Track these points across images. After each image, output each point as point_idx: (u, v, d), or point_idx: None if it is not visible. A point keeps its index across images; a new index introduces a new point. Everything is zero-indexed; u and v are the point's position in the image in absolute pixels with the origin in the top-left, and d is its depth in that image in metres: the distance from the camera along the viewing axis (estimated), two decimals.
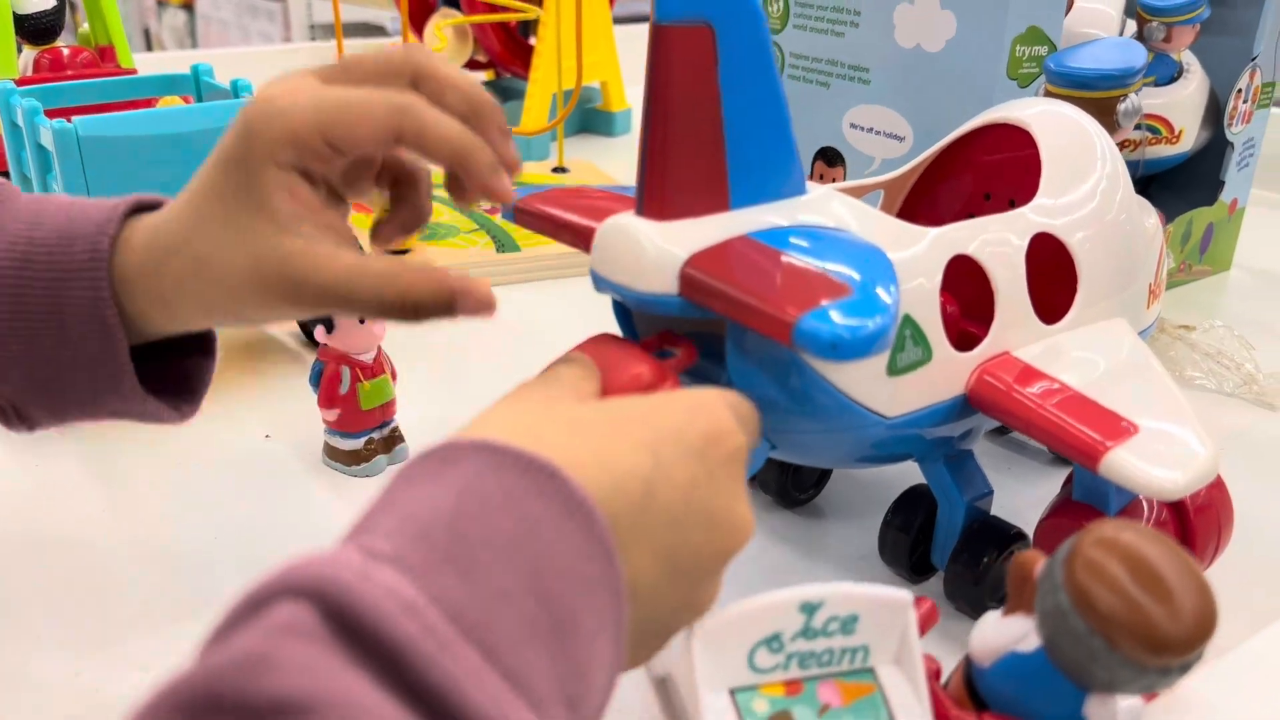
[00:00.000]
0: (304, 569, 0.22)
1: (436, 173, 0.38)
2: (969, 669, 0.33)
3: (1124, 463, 0.35)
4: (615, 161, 1.05)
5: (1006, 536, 0.43)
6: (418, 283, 0.34)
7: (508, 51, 1.11)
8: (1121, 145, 0.81)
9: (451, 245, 0.82)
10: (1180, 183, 0.84)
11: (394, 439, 0.58)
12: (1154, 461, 0.35)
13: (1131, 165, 0.82)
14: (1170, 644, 0.28)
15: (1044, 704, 0.31)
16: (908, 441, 0.41)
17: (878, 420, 0.38)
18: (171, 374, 0.41)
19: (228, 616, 0.22)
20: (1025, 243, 0.43)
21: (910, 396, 0.39)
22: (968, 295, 0.43)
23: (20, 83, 0.67)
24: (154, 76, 0.70)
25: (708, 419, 0.30)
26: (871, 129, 0.73)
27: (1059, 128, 0.47)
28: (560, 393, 0.32)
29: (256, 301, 0.36)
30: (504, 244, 0.82)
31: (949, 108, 0.68)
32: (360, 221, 0.85)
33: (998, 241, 0.42)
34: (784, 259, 0.34)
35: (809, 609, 0.30)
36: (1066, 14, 0.79)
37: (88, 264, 0.36)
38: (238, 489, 0.55)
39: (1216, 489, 0.41)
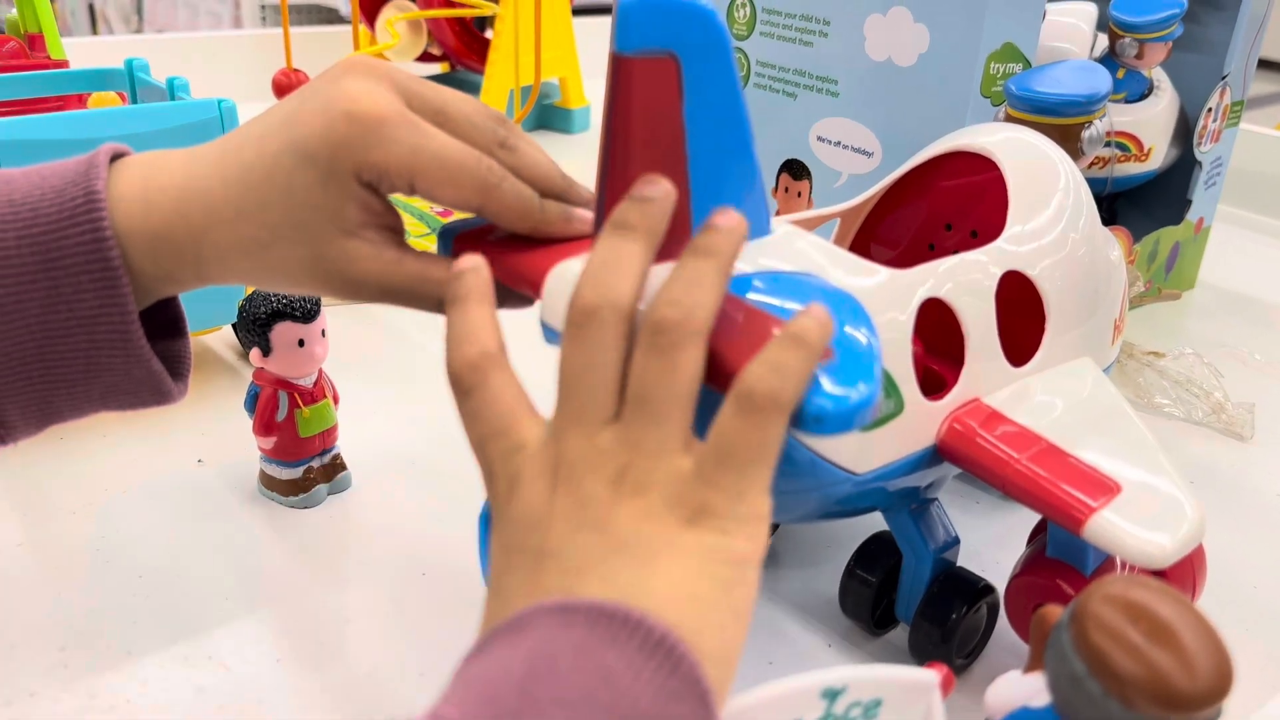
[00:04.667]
0: None
1: None
2: None
3: (1110, 528, 0.33)
4: (573, 160, 1.01)
5: (974, 590, 0.41)
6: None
7: (463, 45, 1.07)
8: (1091, 162, 0.79)
9: None
10: (1148, 201, 0.83)
11: (335, 466, 0.55)
12: (1141, 525, 0.33)
13: (1099, 182, 0.81)
14: (1188, 701, 0.27)
15: None
16: (874, 495, 0.39)
17: (846, 477, 0.36)
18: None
19: None
20: (995, 282, 0.41)
21: (881, 451, 0.37)
22: (930, 331, 0.41)
23: None
24: (85, 71, 0.66)
25: None
26: (839, 143, 0.71)
27: (1024, 158, 0.45)
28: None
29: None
30: None
31: (919, 124, 0.66)
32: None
33: (970, 283, 0.40)
34: (752, 311, 0.31)
35: (831, 695, 0.28)
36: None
37: (83, 208, 0.33)
38: (164, 521, 0.52)
39: None
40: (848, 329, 0.31)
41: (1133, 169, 0.80)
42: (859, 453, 0.36)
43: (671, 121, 0.32)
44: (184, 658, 0.43)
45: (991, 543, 0.51)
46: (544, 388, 0.31)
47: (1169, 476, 0.36)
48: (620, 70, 0.31)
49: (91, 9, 2.48)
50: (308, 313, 0.51)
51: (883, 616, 0.44)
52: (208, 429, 0.59)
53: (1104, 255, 0.46)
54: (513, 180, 0.35)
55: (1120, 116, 0.78)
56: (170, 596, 0.47)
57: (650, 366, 0.29)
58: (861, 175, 0.70)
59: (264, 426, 0.52)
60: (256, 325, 0.51)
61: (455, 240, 0.38)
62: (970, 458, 0.37)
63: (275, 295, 0.51)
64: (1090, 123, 0.48)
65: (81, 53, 0.87)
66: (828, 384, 0.28)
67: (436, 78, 1.17)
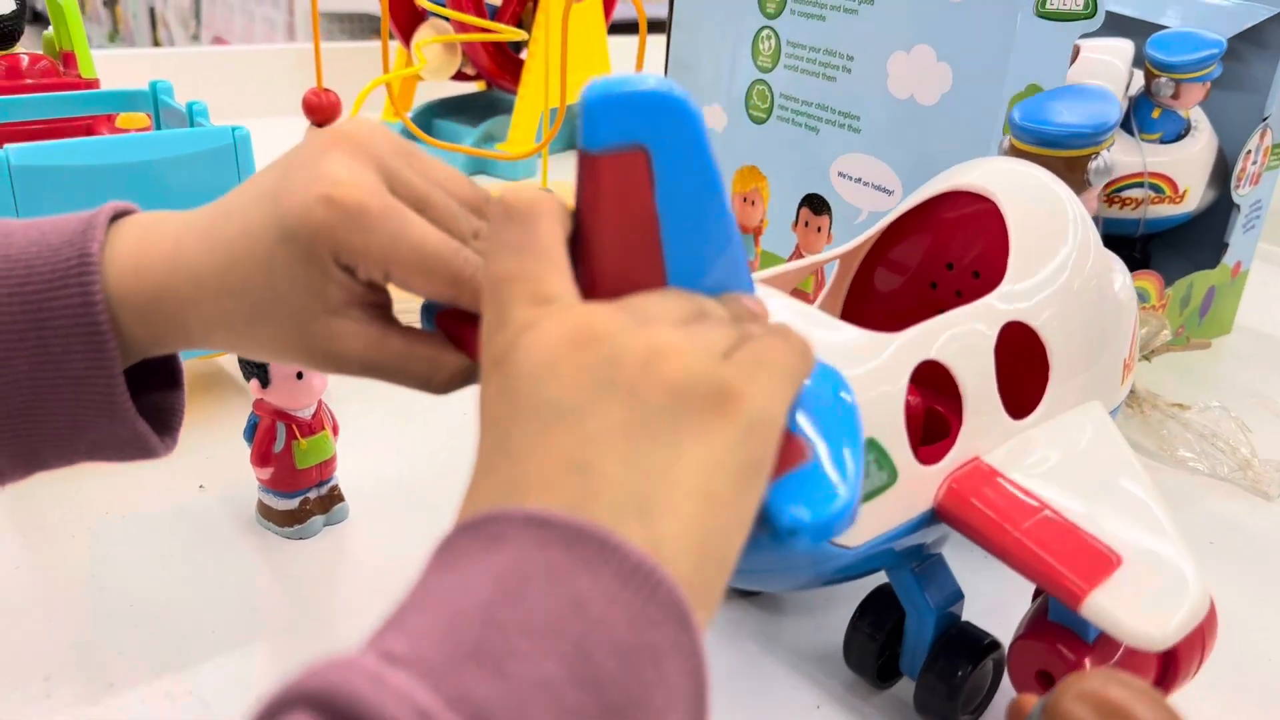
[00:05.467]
0: (317, 676, 0.21)
1: None
2: None
3: (1107, 610, 0.33)
4: None
5: (980, 647, 0.40)
6: (463, 368, 0.35)
7: (497, 65, 1.08)
8: (1122, 203, 0.77)
9: None
10: (1182, 243, 0.81)
11: (333, 498, 0.55)
12: (1139, 605, 0.33)
13: (1132, 224, 0.79)
14: None
15: None
16: (873, 561, 0.38)
17: (840, 553, 0.35)
18: (142, 407, 0.37)
19: None
20: (995, 334, 0.39)
21: (876, 522, 0.36)
22: (931, 369, 0.40)
23: None
24: (112, 92, 0.66)
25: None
26: (860, 179, 0.70)
27: (1027, 196, 0.44)
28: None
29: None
30: None
31: (941, 164, 0.65)
32: None
33: (966, 339, 0.39)
34: None
35: None
36: (1070, 64, 0.76)
37: (76, 270, 0.34)
38: (162, 548, 0.52)
39: None
40: (829, 423, 0.30)
41: (1167, 211, 0.78)
42: (854, 528, 0.35)
43: (644, 211, 0.31)
44: (166, 693, 0.43)
45: (1003, 587, 0.49)
46: None
47: (1173, 543, 0.35)
48: (587, 168, 0.30)
49: (152, 13, 2.53)
50: None
51: (887, 667, 0.43)
52: (214, 454, 0.59)
53: (1110, 294, 0.44)
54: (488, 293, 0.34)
55: (1155, 157, 0.76)
56: (159, 628, 0.47)
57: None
58: (881, 213, 0.68)
59: (261, 457, 0.53)
60: None
61: (438, 316, 0.38)
62: (968, 524, 0.36)
63: None
64: (1097, 154, 0.47)
65: (119, 67, 0.89)
66: (805, 491, 0.27)
67: (471, 96, 1.18)
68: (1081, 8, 0.61)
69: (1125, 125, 0.78)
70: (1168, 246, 0.82)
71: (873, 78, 0.67)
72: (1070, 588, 0.33)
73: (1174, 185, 0.76)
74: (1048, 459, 0.39)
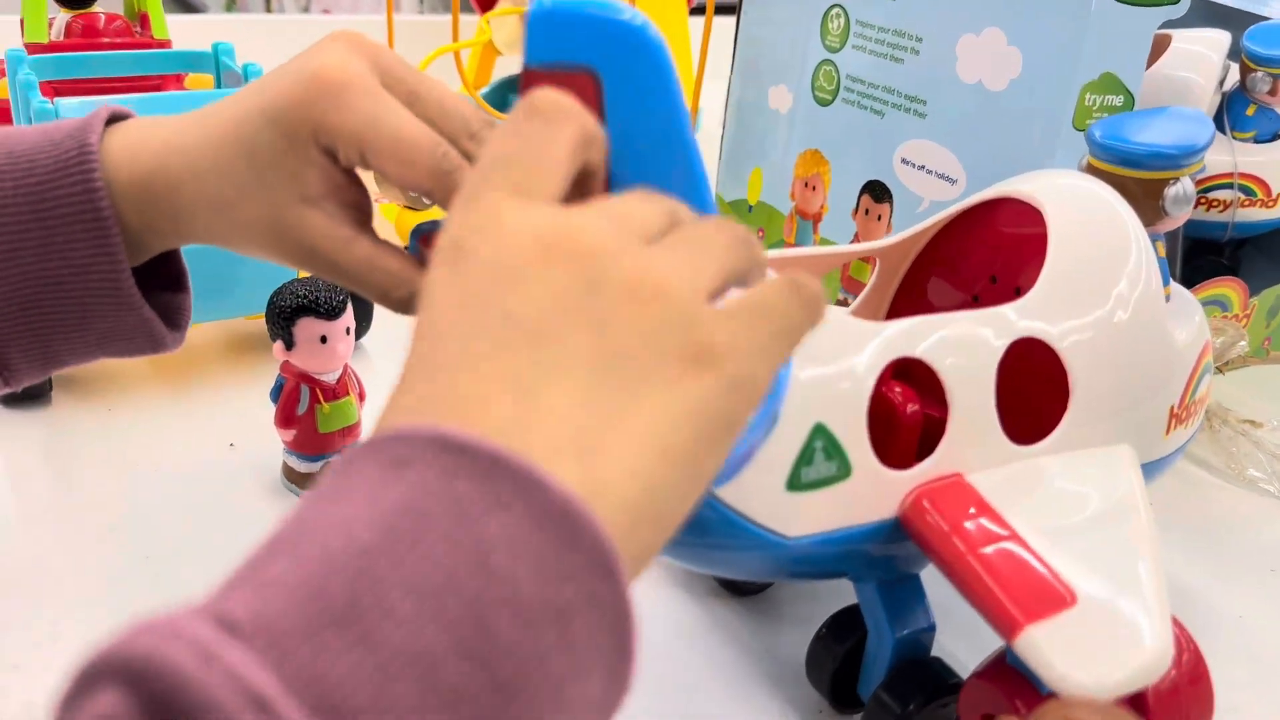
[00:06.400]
0: (133, 644, 0.18)
1: None
2: None
3: (1039, 646, 0.30)
4: None
5: (940, 684, 0.38)
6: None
7: None
8: (1210, 205, 0.73)
9: None
10: (1274, 249, 0.76)
11: None
12: (1079, 650, 0.30)
13: (1219, 227, 0.74)
14: None
15: None
16: (826, 561, 0.36)
17: (775, 540, 0.33)
18: (150, 305, 0.38)
19: (60, 699, 0.19)
20: (1001, 346, 0.37)
21: (817, 516, 0.34)
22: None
23: (45, 49, 0.66)
24: (177, 53, 0.68)
25: None
26: (923, 167, 0.67)
27: (1079, 214, 0.41)
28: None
29: (268, 251, 0.36)
30: None
31: (1007, 153, 0.62)
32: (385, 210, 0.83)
33: (962, 344, 0.36)
34: None
35: None
36: (1161, 55, 0.71)
37: (76, 159, 0.35)
38: (185, 503, 0.53)
39: (1188, 666, 0.35)
40: None
41: (1258, 215, 0.73)
42: (790, 516, 0.33)
43: None
44: None
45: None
46: None
47: (1144, 599, 0.31)
48: (527, 86, 0.29)
49: None
50: (332, 310, 0.51)
51: (850, 691, 0.41)
52: (246, 413, 0.60)
53: (1164, 338, 0.41)
54: (466, 171, 0.34)
55: (1247, 157, 0.71)
56: (172, 582, 0.48)
57: None
58: (943, 202, 0.65)
59: (285, 418, 0.53)
60: (280, 318, 0.51)
61: (421, 239, 0.37)
62: (923, 539, 0.34)
63: (301, 289, 0.51)
64: (1177, 179, 0.43)
65: (198, 31, 0.91)
66: None
67: None
68: None
69: (1217, 122, 0.73)
70: (1259, 253, 0.76)
71: (941, 60, 0.64)
72: (1007, 617, 0.31)
73: (1266, 188, 0.71)
74: (1041, 491, 0.36)
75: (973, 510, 0.35)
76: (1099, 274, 0.40)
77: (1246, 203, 0.72)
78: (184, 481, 0.55)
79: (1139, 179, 0.43)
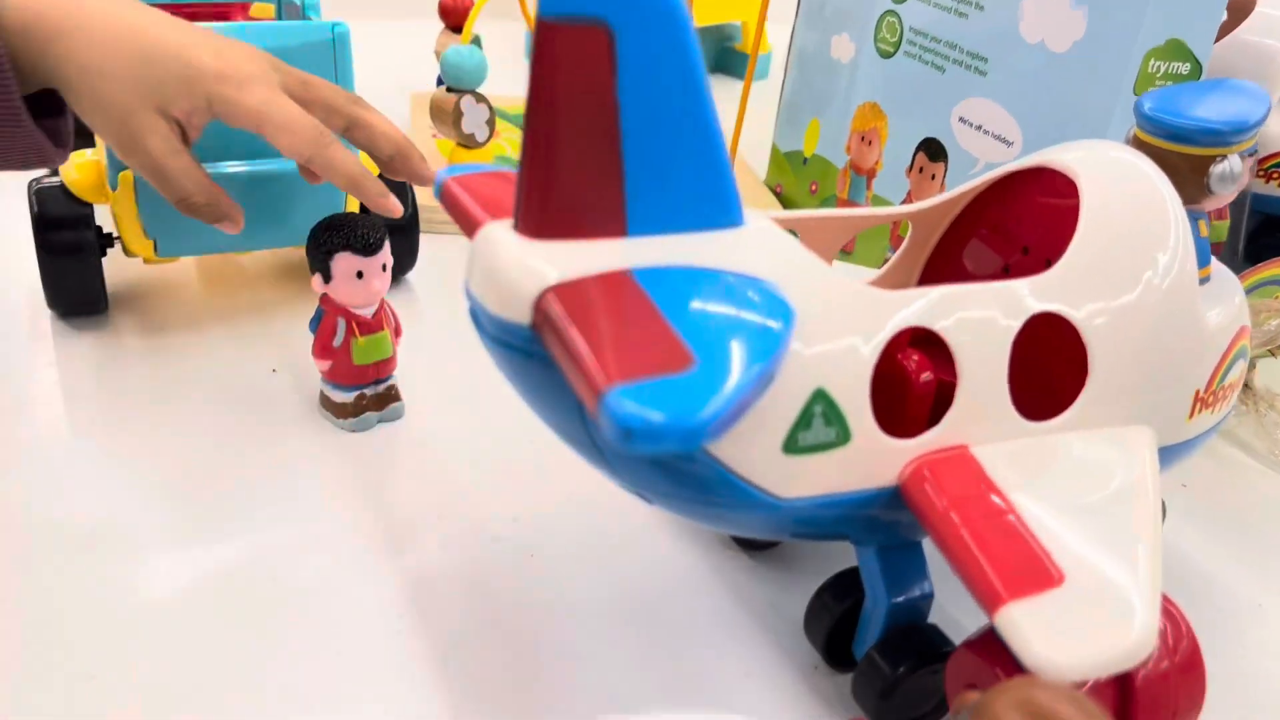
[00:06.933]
0: None
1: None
2: None
3: (1019, 624, 0.29)
4: (751, 107, 0.97)
5: (933, 650, 0.38)
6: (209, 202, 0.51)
7: None
8: (1264, 176, 0.70)
9: None
10: None
11: (389, 397, 0.56)
12: (1058, 628, 0.29)
13: (1275, 201, 0.71)
14: None
15: None
16: (822, 524, 0.36)
17: (769, 501, 0.34)
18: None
19: None
20: (1018, 324, 0.36)
21: (813, 480, 0.34)
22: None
23: None
24: None
25: None
26: (980, 127, 0.65)
27: (1116, 186, 0.40)
28: None
29: (107, 133, 0.48)
30: None
31: (1066, 117, 0.60)
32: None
33: (974, 318, 0.36)
34: (647, 308, 0.29)
35: None
36: (1242, 20, 0.68)
37: None
38: (226, 424, 0.55)
39: (1183, 654, 0.34)
40: (730, 347, 0.28)
41: None
42: (784, 478, 0.33)
43: (601, 98, 0.29)
44: (192, 563, 0.46)
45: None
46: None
47: (1136, 585, 0.31)
48: (542, 36, 0.29)
49: None
50: (369, 246, 0.52)
51: (846, 653, 0.41)
52: (290, 338, 0.61)
53: (1193, 320, 0.40)
54: (343, 148, 0.50)
55: None
56: (202, 501, 0.49)
57: None
58: (998, 164, 0.64)
59: (322, 349, 0.54)
60: (319, 252, 0.52)
61: (447, 177, 0.38)
62: (918, 509, 0.34)
63: (341, 225, 0.52)
64: (1225, 157, 0.41)
65: None
66: (661, 397, 0.25)
67: None
68: None
69: None
70: None
71: (1005, 18, 0.62)
72: (991, 592, 0.31)
73: None
74: (1047, 468, 0.35)
75: (972, 483, 0.35)
76: (1130, 251, 0.38)
77: None
78: (225, 405, 0.56)
79: (1184, 154, 0.41)
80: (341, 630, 0.43)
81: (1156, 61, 0.56)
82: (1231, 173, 0.41)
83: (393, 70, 0.95)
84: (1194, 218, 0.42)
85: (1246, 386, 0.62)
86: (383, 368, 0.56)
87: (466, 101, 0.75)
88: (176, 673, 0.40)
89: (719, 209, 0.33)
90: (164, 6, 0.68)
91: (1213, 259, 0.45)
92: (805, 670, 0.42)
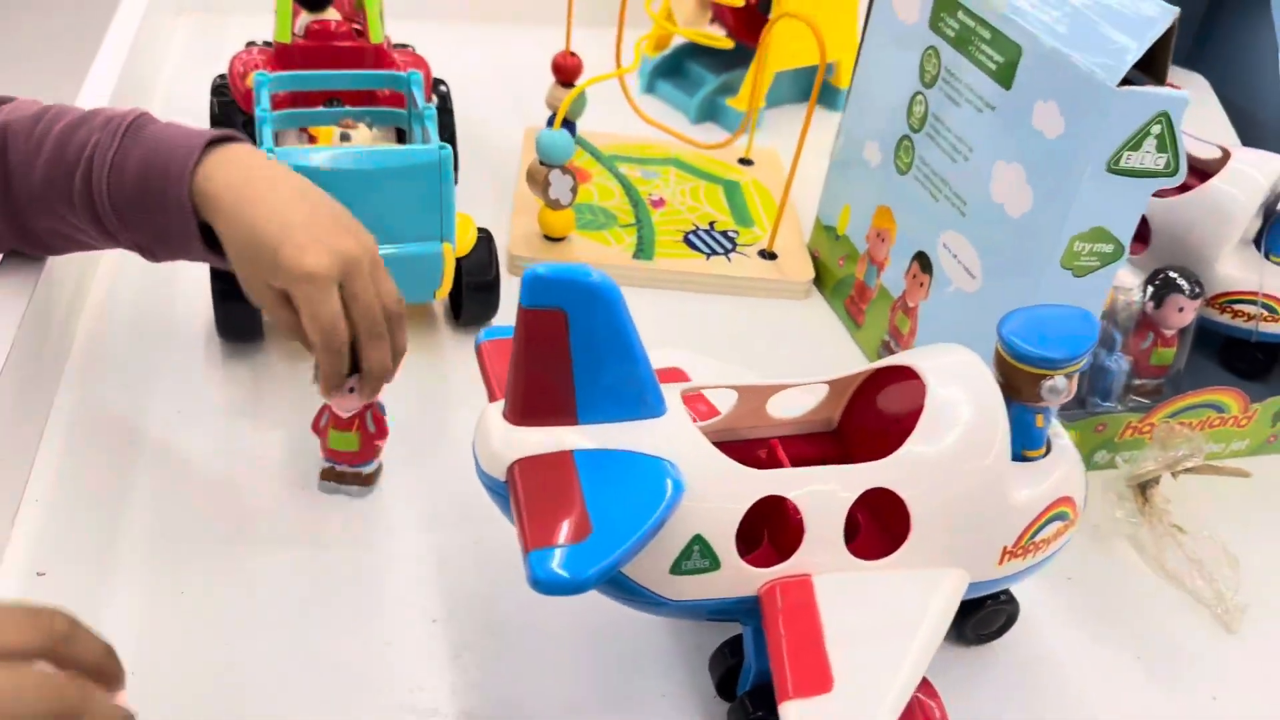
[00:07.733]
0: None
1: None
2: None
3: (788, 715, 0.46)
4: (827, 138, 0.98)
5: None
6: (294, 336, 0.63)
7: (741, 23, 1.19)
8: (1234, 314, 0.81)
9: (598, 239, 0.96)
10: None
11: (360, 478, 0.68)
12: None
13: (1245, 331, 0.82)
14: None
15: None
16: (702, 614, 0.53)
17: (662, 600, 0.51)
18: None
19: None
20: (854, 495, 0.52)
21: (693, 590, 0.50)
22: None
23: (286, 48, 0.86)
24: (374, 74, 0.86)
25: None
26: (956, 256, 0.79)
27: (951, 387, 0.53)
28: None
29: (249, 286, 0.64)
30: (643, 250, 0.95)
31: (1012, 273, 0.73)
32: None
33: (823, 493, 0.51)
34: (571, 483, 0.46)
35: None
36: (1223, 166, 0.79)
37: (177, 174, 0.62)
38: (264, 449, 0.72)
39: None
40: (622, 519, 0.45)
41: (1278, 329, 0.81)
42: (672, 589, 0.50)
43: (559, 352, 0.46)
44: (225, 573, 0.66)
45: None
46: None
47: (883, 701, 0.46)
48: (523, 316, 0.46)
49: None
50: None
51: (732, 691, 0.58)
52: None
53: (1001, 498, 0.53)
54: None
55: (1274, 279, 0.79)
56: (221, 525, 0.68)
57: None
58: (966, 294, 0.77)
59: (314, 423, 0.67)
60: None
61: (482, 341, 0.58)
62: (764, 614, 0.50)
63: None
64: (1053, 377, 0.55)
65: (413, 33, 1.07)
66: (562, 561, 0.43)
67: (719, 52, 1.27)
68: (1162, 167, 0.66)
69: (1256, 243, 0.81)
70: (1276, 363, 0.84)
71: (981, 174, 0.75)
72: (782, 687, 0.47)
73: None
74: (860, 598, 0.50)
75: (802, 601, 0.51)
76: (954, 446, 0.53)
77: (1268, 319, 0.81)
78: (277, 427, 0.73)
79: (1025, 371, 0.55)
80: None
81: (1082, 243, 0.68)
82: (1056, 389, 0.54)
83: (513, 110, 1.15)
84: (1032, 412, 0.56)
85: (1146, 499, 0.75)
86: (351, 458, 0.67)
87: (555, 174, 0.91)
88: (294, 648, 0.60)
89: (642, 406, 0.50)
90: (309, 42, 0.86)
91: (1057, 440, 0.58)
92: (706, 698, 0.60)
